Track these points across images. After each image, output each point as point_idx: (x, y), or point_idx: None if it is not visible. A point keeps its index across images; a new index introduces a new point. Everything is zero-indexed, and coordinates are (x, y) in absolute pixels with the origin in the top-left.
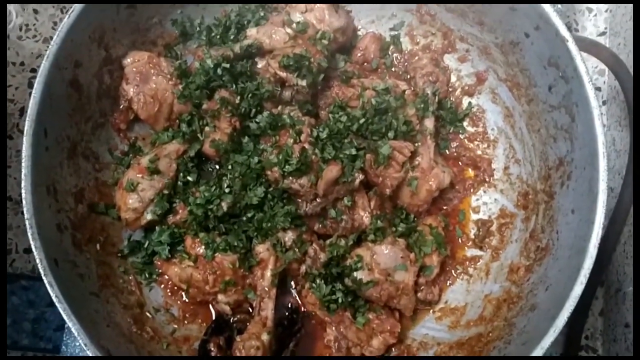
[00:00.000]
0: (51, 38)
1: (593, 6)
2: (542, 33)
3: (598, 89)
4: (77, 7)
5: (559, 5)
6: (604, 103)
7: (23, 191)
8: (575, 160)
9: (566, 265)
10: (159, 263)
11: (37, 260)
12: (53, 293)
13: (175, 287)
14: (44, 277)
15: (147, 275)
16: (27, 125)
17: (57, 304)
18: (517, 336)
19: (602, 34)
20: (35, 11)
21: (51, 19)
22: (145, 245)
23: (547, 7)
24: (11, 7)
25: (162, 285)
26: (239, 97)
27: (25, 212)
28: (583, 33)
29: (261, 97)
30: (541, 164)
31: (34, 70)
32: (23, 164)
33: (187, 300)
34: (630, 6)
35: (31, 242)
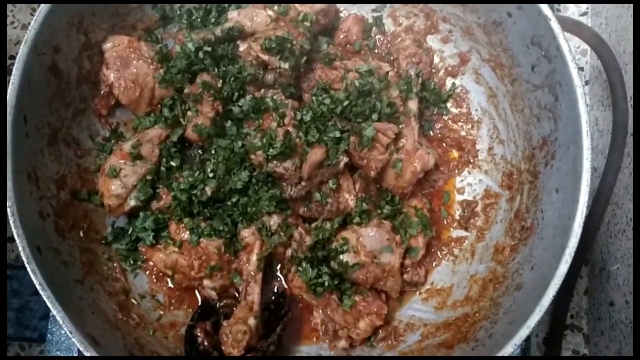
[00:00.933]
0: (29, 24)
1: None
2: (525, 12)
3: (581, 69)
4: None
5: None
6: (586, 83)
7: (7, 179)
8: (559, 139)
9: (551, 245)
10: (143, 249)
11: (20, 248)
12: (37, 281)
13: (161, 274)
14: (27, 265)
15: (131, 262)
16: (8, 112)
17: (41, 291)
18: (503, 315)
19: (584, 14)
20: None
21: (29, 6)
22: (129, 232)
23: None
24: None
25: (147, 272)
26: (221, 81)
27: (7, 199)
28: (565, 13)
29: (243, 81)
30: (525, 144)
31: (12, 57)
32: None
33: (172, 286)
34: None
35: (13, 229)
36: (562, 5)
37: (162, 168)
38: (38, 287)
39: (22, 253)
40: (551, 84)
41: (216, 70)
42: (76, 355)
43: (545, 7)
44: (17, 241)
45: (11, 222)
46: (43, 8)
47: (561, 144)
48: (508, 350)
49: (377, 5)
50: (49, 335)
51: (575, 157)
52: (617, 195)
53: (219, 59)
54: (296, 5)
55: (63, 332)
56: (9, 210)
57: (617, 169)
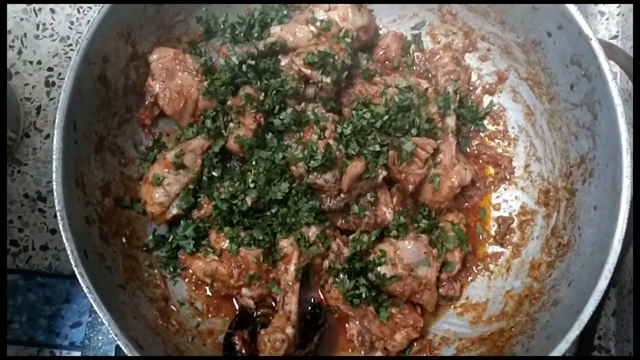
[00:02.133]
0: (68, 37)
1: (605, 9)
2: (565, 32)
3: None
4: (105, 4)
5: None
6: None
7: (54, 183)
8: (598, 157)
9: (589, 261)
10: (183, 257)
11: (69, 251)
12: (84, 284)
13: (199, 281)
14: (75, 269)
15: (171, 269)
16: (58, 119)
17: (88, 294)
18: (540, 330)
19: (614, 37)
20: (52, 10)
21: (68, 19)
22: (170, 240)
23: (571, 7)
24: (28, 7)
25: (187, 279)
26: (263, 94)
27: (56, 203)
28: (595, 36)
29: (285, 94)
30: (562, 162)
31: (50, 69)
32: (54, 157)
33: (210, 295)
34: None
35: (62, 233)
36: (592, 28)
37: (203, 178)
38: (85, 289)
39: (70, 256)
40: (590, 102)
41: (259, 83)
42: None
43: (586, 27)
44: (66, 244)
45: (60, 225)
46: (95, 19)
47: (600, 162)
48: None
49: (417, 23)
50: (86, 341)
51: (614, 175)
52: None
53: (262, 73)
54: (338, 21)
55: (100, 337)
56: (58, 214)
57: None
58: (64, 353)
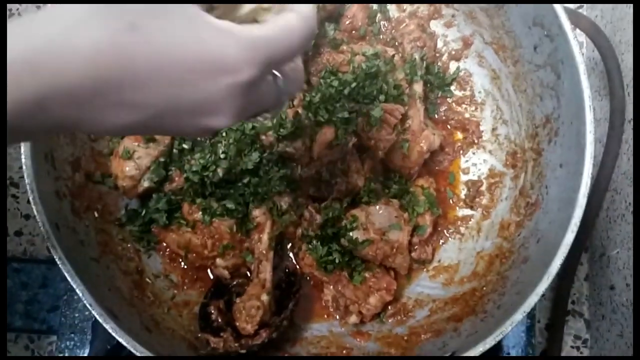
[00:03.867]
0: None
1: None
2: None
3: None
4: None
5: None
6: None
7: (23, 157)
8: (562, 116)
9: (556, 217)
10: (156, 230)
11: (40, 224)
12: (56, 255)
13: (174, 254)
14: (46, 241)
15: (145, 243)
16: None
17: (60, 266)
18: (510, 287)
19: (579, 6)
20: None
21: None
22: (143, 214)
23: None
24: None
25: (161, 252)
26: None
27: (25, 177)
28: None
29: None
30: (528, 123)
31: None
32: None
33: (185, 267)
34: None
35: (33, 206)
36: None
37: (174, 150)
38: (58, 261)
39: (42, 228)
40: (553, 62)
41: None
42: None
43: None
44: (37, 217)
45: (31, 198)
46: None
47: (564, 121)
48: (517, 318)
49: None
50: (62, 319)
51: (578, 131)
52: (615, 181)
53: None
54: None
55: (77, 314)
56: (27, 187)
57: (615, 155)
58: (42, 337)
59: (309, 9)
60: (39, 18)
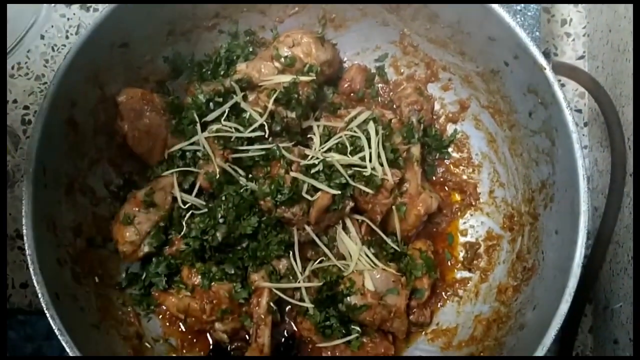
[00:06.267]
0: (43, 75)
1: (571, 31)
2: (521, 62)
3: (579, 111)
4: (73, 48)
5: (538, 33)
6: (585, 124)
7: (24, 227)
8: (557, 182)
9: (552, 285)
10: (156, 294)
11: (40, 295)
12: (55, 326)
13: (173, 317)
14: (46, 311)
15: (145, 306)
16: (26, 164)
17: (59, 337)
18: (507, 354)
19: (581, 57)
20: (28, 50)
21: (42, 57)
22: (143, 277)
23: (525, 37)
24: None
25: (160, 316)
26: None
27: (26, 247)
28: (562, 57)
29: (252, 130)
30: (525, 187)
31: (26, 107)
32: (24, 202)
33: (184, 330)
34: (607, 31)
35: (33, 277)
36: (559, 49)
37: (173, 215)
38: (57, 332)
39: (41, 299)
40: (548, 129)
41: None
42: None
43: (539, 57)
44: (37, 288)
45: (31, 269)
46: (62, 64)
47: (559, 187)
48: None
49: (380, 55)
50: None
51: (573, 199)
52: (617, 234)
53: (230, 109)
54: (302, 57)
55: None
56: (28, 258)
57: (617, 208)
58: None
59: None
60: None
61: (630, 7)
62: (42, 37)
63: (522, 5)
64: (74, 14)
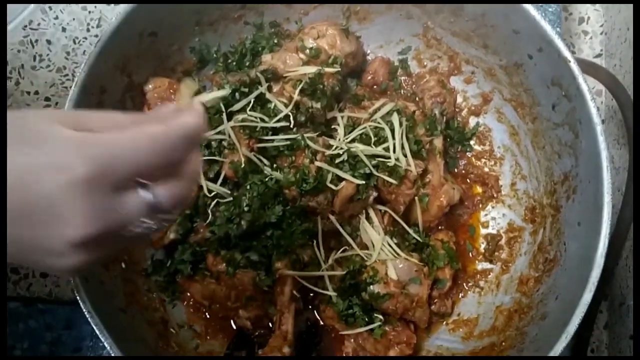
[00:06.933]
0: (64, 68)
1: (589, 29)
2: (545, 54)
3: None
4: (103, 36)
5: (558, 29)
6: (602, 122)
7: None
8: (580, 174)
9: (575, 275)
10: (181, 281)
11: (71, 279)
12: (85, 309)
13: (198, 304)
14: (76, 294)
15: (170, 293)
16: None
17: (89, 319)
18: (529, 344)
19: (598, 55)
20: (49, 42)
21: (64, 49)
22: (168, 264)
23: (550, 30)
24: (25, 39)
25: (185, 303)
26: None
27: None
28: (579, 55)
29: (277, 120)
30: (547, 179)
31: (47, 99)
32: None
33: (208, 317)
34: (624, 29)
35: None
36: (576, 47)
37: (199, 203)
38: (87, 314)
39: (72, 282)
40: (571, 121)
41: (252, 110)
42: None
43: (564, 49)
44: None
45: None
46: (93, 51)
47: (582, 179)
48: None
49: (403, 48)
50: None
51: (596, 191)
52: (633, 230)
53: (255, 100)
54: (326, 48)
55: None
56: None
57: (633, 205)
58: None
59: (170, 130)
60: None
61: None
62: (64, 29)
63: None
64: (95, 7)
